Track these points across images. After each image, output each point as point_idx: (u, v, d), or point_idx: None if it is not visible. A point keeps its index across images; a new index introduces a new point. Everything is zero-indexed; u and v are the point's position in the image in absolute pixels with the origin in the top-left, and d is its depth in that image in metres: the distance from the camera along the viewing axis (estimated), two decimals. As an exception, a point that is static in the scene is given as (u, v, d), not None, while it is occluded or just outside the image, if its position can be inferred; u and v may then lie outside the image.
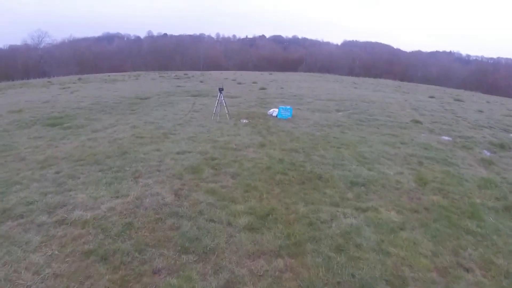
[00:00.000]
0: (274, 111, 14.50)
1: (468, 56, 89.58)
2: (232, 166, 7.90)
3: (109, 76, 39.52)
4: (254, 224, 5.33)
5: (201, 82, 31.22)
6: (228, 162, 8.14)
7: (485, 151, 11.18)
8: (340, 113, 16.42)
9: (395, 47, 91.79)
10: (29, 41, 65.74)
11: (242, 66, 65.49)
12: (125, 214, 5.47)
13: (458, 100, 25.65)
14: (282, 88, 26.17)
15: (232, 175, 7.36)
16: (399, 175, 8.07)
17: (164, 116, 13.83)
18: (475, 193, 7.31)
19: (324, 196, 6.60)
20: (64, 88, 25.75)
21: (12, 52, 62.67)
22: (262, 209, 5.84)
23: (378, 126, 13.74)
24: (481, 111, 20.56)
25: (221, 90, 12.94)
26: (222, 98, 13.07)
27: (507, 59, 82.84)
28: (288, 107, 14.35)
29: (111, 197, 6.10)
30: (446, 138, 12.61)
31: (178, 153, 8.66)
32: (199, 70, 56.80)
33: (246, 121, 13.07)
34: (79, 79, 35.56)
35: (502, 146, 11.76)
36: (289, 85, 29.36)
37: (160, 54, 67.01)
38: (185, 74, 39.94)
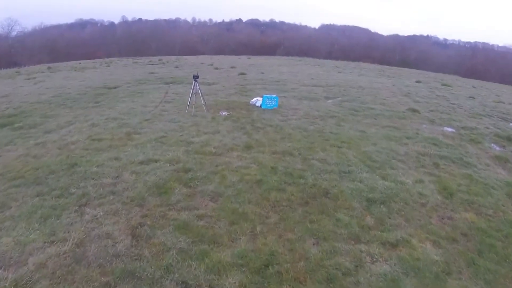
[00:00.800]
0: (257, 101, 12.61)
1: (446, 40, 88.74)
2: (212, 180, 6.03)
3: (80, 63, 36.59)
4: (249, 286, 3.52)
5: (176, 67, 28.95)
6: (206, 174, 6.26)
7: (494, 146, 9.99)
8: (329, 101, 14.69)
9: (372, 31, 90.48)
10: (-1, 31, 61.49)
11: (219, 50, 62.85)
12: (58, 277, 3.58)
13: (445, 85, 24.24)
14: (262, 73, 24.19)
15: (212, 195, 5.51)
16: (419, 185, 6.48)
17: (131, 110, 11.80)
18: (508, 205, 6.06)
19: (338, 225, 4.85)
20: (29, 79, 23.13)
21: (-20, 43, 58.54)
22: (257, 255, 4.03)
23: (375, 116, 12.11)
24: (472, 97, 19.23)
25: (195, 77, 10.96)
26: (198, 87, 11.10)
27: (484, 43, 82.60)
28: (274, 95, 12.49)
29: (44, 242, 4.19)
30: (450, 129, 11.29)
31: (141, 162, 6.73)
32: (175, 55, 54.13)
33: (226, 113, 11.16)
34: (49, 68, 32.67)
35: (509, 139, 10.64)
36: (269, 69, 27.38)
37: (134, 39, 63.68)
38: (159, 60, 37.41)
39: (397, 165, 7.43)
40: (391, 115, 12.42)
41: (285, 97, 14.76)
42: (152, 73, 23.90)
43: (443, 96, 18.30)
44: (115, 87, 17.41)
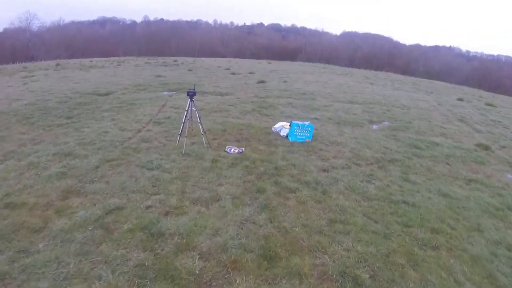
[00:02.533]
0: (283, 128, 8.46)
1: (468, 52, 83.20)
2: None
3: (91, 61, 32.97)
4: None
5: (190, 70, 24.93)
6: None
7: None
8: (376, 127, 10.51)
9: (394, 39, 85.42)
10: (17, 24, 58.37)
11: (239, 53, 58.88)
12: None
13: (490, 104, 19.69)
14: (285, 82, 19.94)
15: None
16: None
17: (101, 135, 7.81)
18: None
19: None
20: (26, 77, 19.47)
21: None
22: None
23: (446, 158, 8.14)
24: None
25: (191, 94, 6.82)
26: (195, 108, 6.99)
27: (507, 57, 77.25)
28: (307, 123, 8.27)
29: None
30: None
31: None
32: (194, 56, 50.35)
33: (236, 151, 7.03)
34: (57, 65, 29.13)
35: None
36: (293, 77, 23.12)
37: (154, 39, 59.95)
38: (174, 61, 33.54)
39: None
40: (464, 157, 8.37)
41: (317, 119, 10.60)
42: (159, 76, 19.89)
43: (499, 122, 13.98)
44: (106, 94, 13.55)
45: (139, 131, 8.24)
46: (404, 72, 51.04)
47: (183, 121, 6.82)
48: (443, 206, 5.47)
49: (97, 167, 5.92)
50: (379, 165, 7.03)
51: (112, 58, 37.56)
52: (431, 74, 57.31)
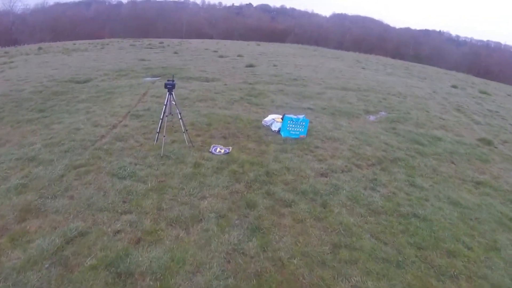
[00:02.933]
0: (274, 122, 7.62)
1: (458, 37, 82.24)
2: None
3: (74, 44, 31.21)
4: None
5: (175, 53, 23.72)
6: None
7: None
8: (372, 118, 9.77)
9: (384, 22, 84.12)
10: (-1, 7, 55.68)
11: (227, 35, 57.00)
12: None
13: (484, 92, 19.04)
14: (275, 66, 18.93)
15: None
16: None
17: (73, 133, 6.90)
18: None
19: None
20: (4, 64, 18.06)
21: (-19, 20, 52.88)
22: None
23: (449, 155, 7.52)
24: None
25: (170, 87, 5.92)
26: (174, 102, 6.12)
27: (496, 42, 76.61)
28: (301, 116, 7.43)
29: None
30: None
31: None
32: (181, 38, 48.67)
33: (222, 150, 6.19)
34: (39, 48, 27.42)
35: None
36: (283, 61, 22.08)
37: (140, 20, 57.57)
38: (160, 43, 32.07)
39: None
40: (468, 154, 7.76)
41: (311, 109, 9.79)
42: (143, 60, 18.75)
43: (496, 112, 13.41)
44: (85, 81, 12.51)
45: (114, 126, 7.32)
46: (394, 56, 50.21)
47: (161, 117, 5.93)
48: (455, 219, 4.78)
49: (62, 176, 5.03)
50: (382, 166, 6.28)
51: (96, 41, 35.79)
52: (421, 58, 56.43)
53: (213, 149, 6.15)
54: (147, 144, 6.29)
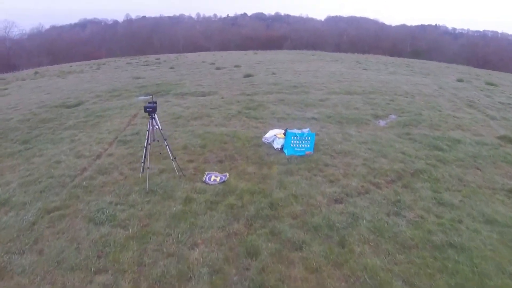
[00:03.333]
0: (275, 138, 6.75)
1: (454, 29, 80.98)
2: None
3: (70, 66, 30.63)
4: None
5: (171, 68, 22.99)
6: None
7: None
8: (382, 123, 8.89)
9: (379, 21, 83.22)
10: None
11: (224, 46, 56.37)
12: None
13: (491, 84, 18.11)
14: (274, 74, 18.10)
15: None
16: None
17: (52, 167, 6.11)
18: None
19: None
20: None
21: (-22, 46, 52.66)
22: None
23: (474, 160, 6.60)
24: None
25: (150, 110, 5.06)
26: (158, 126, 5.29)
27: (493, 32, 75.46)
28: (306, 130, 6.59)
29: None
30: None
31: None
32: (178, 52, 48.12)
33: (218, 178, 5.32)
34: (36, 73, 26.94)
35: None
36: (281, 68, 21.27)
37: (136, 37, 57.12)
38: (156, 59, 31.46)
39: None
40: (492, 156, 6.85)
41: (315, 119, 8.93)
42: (138, 78, 18.00)
43: (509, 104, 12.43)
44: (76, 105, 11.75)
45: (98, 156, 6.50)
46: (391, 54, 49.36)
47: (145, 145, 5.08)
48: (495, 242, 3.92)
49: (34, 223, 4.22)
50: (403, 181, 5.39)
51: (92, 61, 35.24)
52: (419, 53, 55.55)
53: (207, 178, 5.29)
54: (132, 177, 5.45)
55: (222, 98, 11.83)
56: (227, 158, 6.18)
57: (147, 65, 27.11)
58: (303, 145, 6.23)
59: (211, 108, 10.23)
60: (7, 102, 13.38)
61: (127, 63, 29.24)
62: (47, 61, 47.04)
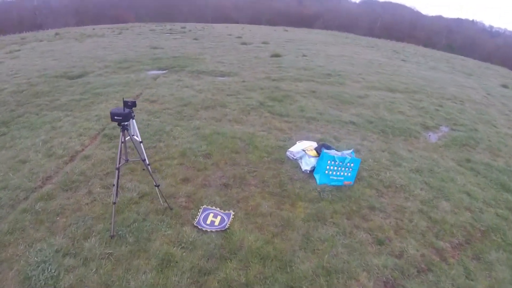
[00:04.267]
0: (304, 156, 4.95)
1: (491, 27, 75.35)
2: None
3: (93, 29, 28.74)
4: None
5: (195, 39, 21.09)
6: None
7: None
8: (433, 137, 7.03)
9: (415, 9, 78.39)
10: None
11: (254, 19, 53.49)
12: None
13: None
14: (304, 56, 16.02)
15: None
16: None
17: (13, 169, 4.60)
18: None
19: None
20: (10, 52, 15.93)
21: (6, 5, 51.20)
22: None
23: None
24: None
25: (120, 120, 3.30)
26: (137, 136, 3.63)
27: (533, 34, 70.11)
28: (347, 154, 4.69)
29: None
30: None
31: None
32: (206, 22, 45.84)
33: (218, 220, 3.61)
34: (56, 34, 25.41)
35: None
36: (313, 49, 19.08)
37: (165, 3, 55.09)
38: (182, 28, 29.42)
39: None
40: None
41: (354, 123, 7.12)
42: (156, 48, 16.24)
43: None
44: (79, 76, 10.28)
45: (71, 158, 4.89)
46: (426, 45, 46.39)
47: (116, 167, 3.39)
48: None
49: None
50: (473, 249, 3.65)
51: (116, 26, 33.37)
52: (453, 48, 51.94)
53: (201, 219, 3.58)
54: (100, 202, 3.81)
55: (243, 81, 10.04)
56: (236, 180, 4.46)
57: (170, 33, 25.30)
58: (342, 173, 4.46)
59: (227, 95, 8.49)
60: (10, 67, 11.91)
61: (151, 30, 27.43)
62: (73, 22, 45.60)
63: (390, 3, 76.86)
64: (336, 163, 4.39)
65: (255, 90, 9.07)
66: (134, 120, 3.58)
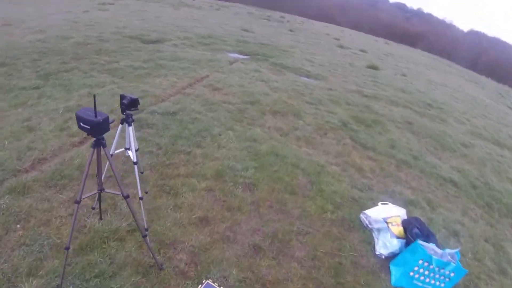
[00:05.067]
0: (383, 229, 3.24)
1: None
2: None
3: (193, 0, 28.44)
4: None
5: (290, 31, 19.57)
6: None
7: None
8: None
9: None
10: None
11: (356, 25, 50.65)
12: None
13: None
14: (404, 76, 13.70)
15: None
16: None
17: (19, 133, 3.43)
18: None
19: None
20: (102, 4, 15.79)
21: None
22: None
23: None
24: None
25: (88, 130, 1.93)
26: (132, 152, 2.21)
27: None
28: (450, 256, 2.88)
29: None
30: None
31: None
32: (308, 18, 43.99)
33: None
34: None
35: None
36: (413, 70, 16.55)
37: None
38: (281, 17, 28.08)
39: None
40: None
41: (454, 183, 5.12)
42: (246, 30, 15.00)
43: None
44: (154, 41, 9.41)
45: (82, 141, 3.69)
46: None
47: (78, 199, 2.02)
48: None
49: None
50: None
51: (216, 1, 32.73)
52: None
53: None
54: (83, 219, 2.49)
55: (329, 89, 8.39)
56: (274, 243, 2.90)
57: (268, 20, 24.03)
58: (434, 282, 2.73)
59: (306, 102, 6.93)
60: (92, 18, 11.39)
61: (249, 13, 26.35)
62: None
63: (499, 40, 68.50)
64: (431, 266, 2.67)
65: (340, 104, 7.38)
66: (131, 127, 2.21)
